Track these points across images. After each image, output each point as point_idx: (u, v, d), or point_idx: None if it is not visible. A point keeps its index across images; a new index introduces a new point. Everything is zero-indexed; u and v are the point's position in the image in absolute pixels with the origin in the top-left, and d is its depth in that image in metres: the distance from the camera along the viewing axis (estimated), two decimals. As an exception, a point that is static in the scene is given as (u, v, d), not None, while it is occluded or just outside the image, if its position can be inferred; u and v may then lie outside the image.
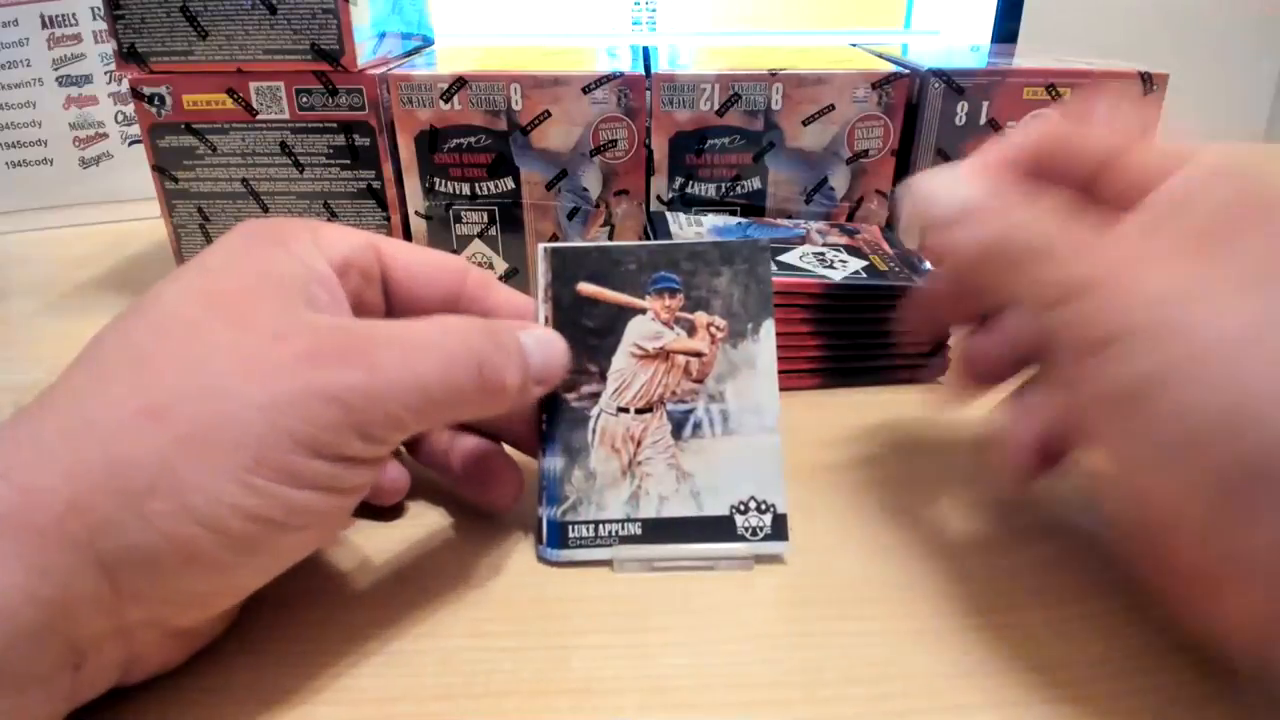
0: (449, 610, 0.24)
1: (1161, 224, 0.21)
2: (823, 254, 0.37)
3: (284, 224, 0.24)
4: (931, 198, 0.25)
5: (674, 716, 0.21)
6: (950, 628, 0.23)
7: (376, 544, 0.27)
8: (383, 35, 0.43)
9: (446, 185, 0.42)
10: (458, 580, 0.25)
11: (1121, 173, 0.24)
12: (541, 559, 0.26)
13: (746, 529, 0.26)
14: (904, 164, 0.42)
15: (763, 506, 0.26)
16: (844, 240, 0.39)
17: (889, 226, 0.43)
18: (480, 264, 0.43)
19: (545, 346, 0.25)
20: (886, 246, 0.39)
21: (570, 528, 0.26)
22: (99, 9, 0.54)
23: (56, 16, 0.54)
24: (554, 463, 0.26)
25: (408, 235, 0.43)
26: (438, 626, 0.24)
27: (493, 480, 0.27)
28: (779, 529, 0.26)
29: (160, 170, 0.42)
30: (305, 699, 0.21)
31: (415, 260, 0.26)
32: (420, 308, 0.27)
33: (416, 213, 0.42)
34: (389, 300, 0.26)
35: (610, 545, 0.26)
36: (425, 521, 0.28)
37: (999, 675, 0.22)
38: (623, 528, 0.26)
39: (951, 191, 0.25)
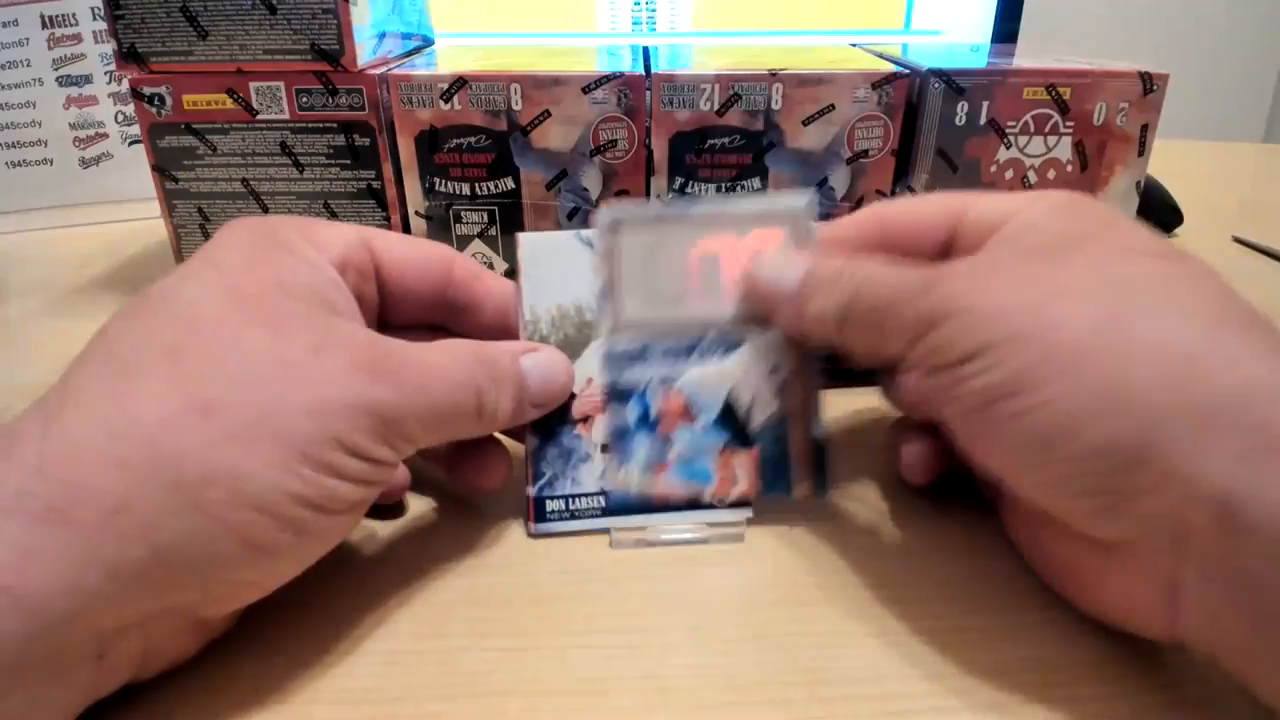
0: (449, 610, 0.24)
1: (1005, 246, 0.23)
2: (823, 254, 0.37)
3: (278, 224, 0.25)
4: (772, 279, 0.26)
5: (674, 716, 0.21)
6: (951, 628, 0.23)
7: (376, 544, 0.27)
8: (383, 35, 0.43)
9: (446, 185, 0.42)
10: (458, 580, 0.25)
11: (972, 227, 0.25)
12: (531, 536, 0.27)
13: (714, 498, 0.27)
14: (904, 164, 0.42)
15: None
16: (844, 240, 0.39)
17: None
18: (481, 264, 0.43)
19: (545, 370, 0.26)
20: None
21: (547, 502, 0.27)
22: (99, 9, 0.54)
23: (56, 16, 0.54)
24: (531, 441, 0.27)
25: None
26: (438, 626, 0.24)
27: (482, 464, 0.28)
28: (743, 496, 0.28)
29: (160, 170, 0.42)
30: (306, 699, 0.21)
31: (404, 253, 0.27)
32: (411, 298, 0.27)
33: (416, 213, 0.42)
34: (381, 292, 0.27)
35: (585, 518, 0.27)
36: (425, 521, 0.28)
37: (999, 676, 0.22)
38: (597, 501, 0.27)
39: (788, 269, 0.26)
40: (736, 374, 0.27)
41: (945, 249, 0.26)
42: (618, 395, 0.28)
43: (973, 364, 0.21)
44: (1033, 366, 0.20)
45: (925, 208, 0.27)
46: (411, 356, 0.23)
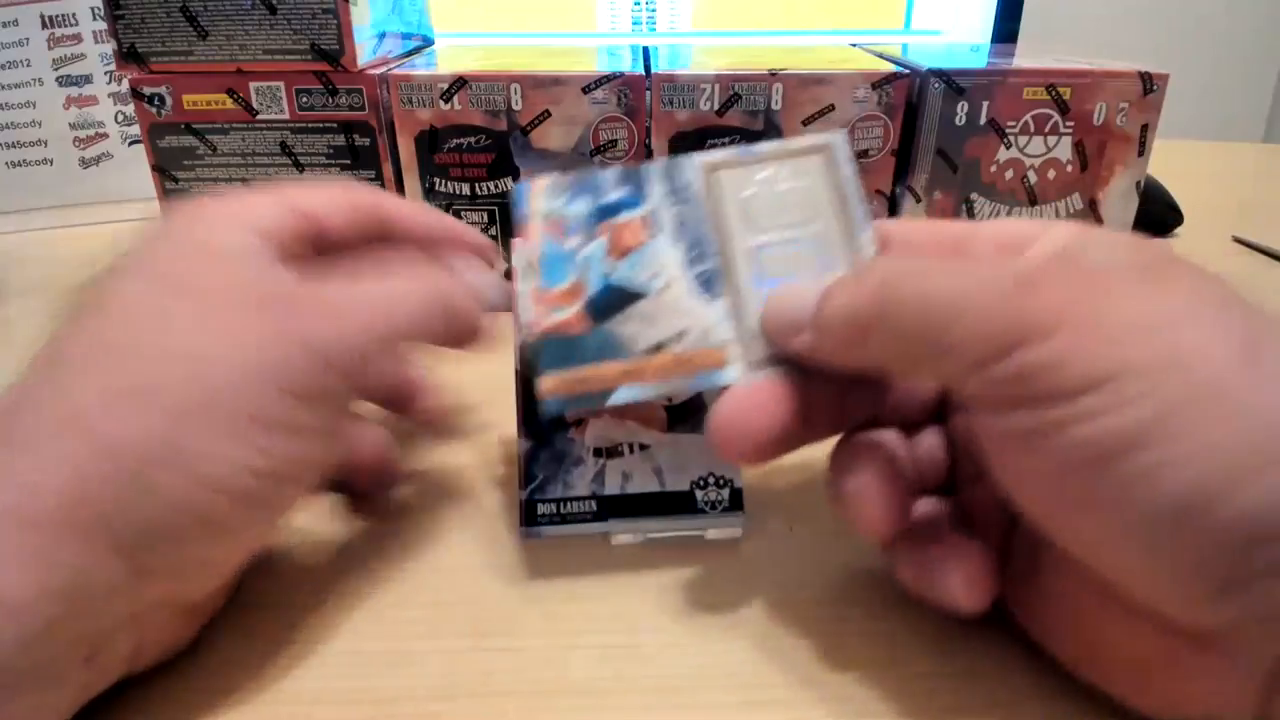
0: (449, 610, 0.24)
1: (1081, 262, 0.18)
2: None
3: (204, 200, 0.24)
4: (792, 289, 0.22)
5: (674, 716, 0.21)
6: (952, 629, 0.23)
7: (376, 544, 0.27)
8: (383, 35, 0.43)
9: (446, 185, 0.42)
10: (457, 580, 0.25)
11: (980, 246, 0.22)
12: (524, 540, 0.27)
13: (706, 503, 0.27)
14: (904, 164, 0.42)
15: (721, 481, 0.27)
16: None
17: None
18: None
19: (487, 280, 0.26)
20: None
21: (538, 505, 0.27)
22: (99, 9, 0.54)
23: (56, 16, 0.54)
24: (523, 444, 0.27)
25: (408, 235, 0.43)
26: (438, 626, 0.24)
27: (414, 393, 0.30)
28: (736, 502, 0.27)
29: (160, 170, 0.42)
30: (306, 699, 0.21)
31: (330, 208, 0.25)
32: (346, 242, 0.26)
33: (416, 213, 0.42)
34: (315, 243, 0.25)
35: (579, 522, 0.27)
36: (425, 521, 0.28)
37: (998, 676, 0.22)
38: (589, 505, 0.27)
39: (809, 291, 0.21)
40: (688, 309, 0.23)
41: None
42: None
43: (1091, 398, 0.16)
44: (1177, 407, 0.15)
45: (939, 224, 0.24)
46: (344, 291, 0.23)
